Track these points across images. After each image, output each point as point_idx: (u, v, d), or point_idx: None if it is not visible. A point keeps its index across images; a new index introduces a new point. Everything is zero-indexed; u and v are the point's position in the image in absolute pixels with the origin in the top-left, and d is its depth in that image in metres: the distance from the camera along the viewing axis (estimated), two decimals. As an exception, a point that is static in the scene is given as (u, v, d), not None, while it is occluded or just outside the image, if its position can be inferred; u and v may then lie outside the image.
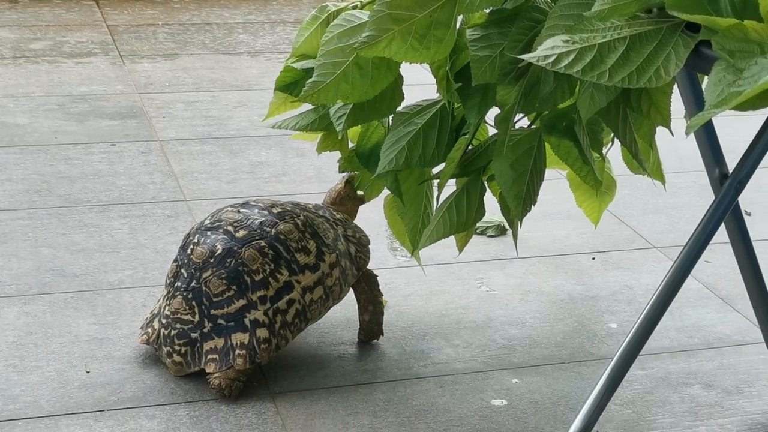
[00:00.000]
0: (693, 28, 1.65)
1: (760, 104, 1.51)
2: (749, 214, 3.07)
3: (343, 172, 2.37)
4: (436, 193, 2.24)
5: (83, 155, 3.27)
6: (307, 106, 2.30)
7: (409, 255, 2.70)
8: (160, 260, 2.65)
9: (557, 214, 2.99)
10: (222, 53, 4.40)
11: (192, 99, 3.83)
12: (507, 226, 2.89)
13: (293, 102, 2.30)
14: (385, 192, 2.40)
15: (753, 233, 2.17)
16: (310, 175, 3.23)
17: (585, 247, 2.84)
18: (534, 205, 2.13)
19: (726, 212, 1.93)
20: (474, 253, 2.74)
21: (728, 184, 1.91)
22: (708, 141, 1.97)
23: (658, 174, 2.43)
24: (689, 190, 3.22)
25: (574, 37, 1.67)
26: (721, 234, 2.94)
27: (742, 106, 1.50)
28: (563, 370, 2.28)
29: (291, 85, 2.29)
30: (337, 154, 3.35)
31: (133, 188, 3.06)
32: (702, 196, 3.19)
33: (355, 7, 2.14)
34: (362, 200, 2.44)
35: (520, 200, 2.11)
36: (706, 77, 1.57)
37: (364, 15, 2.05)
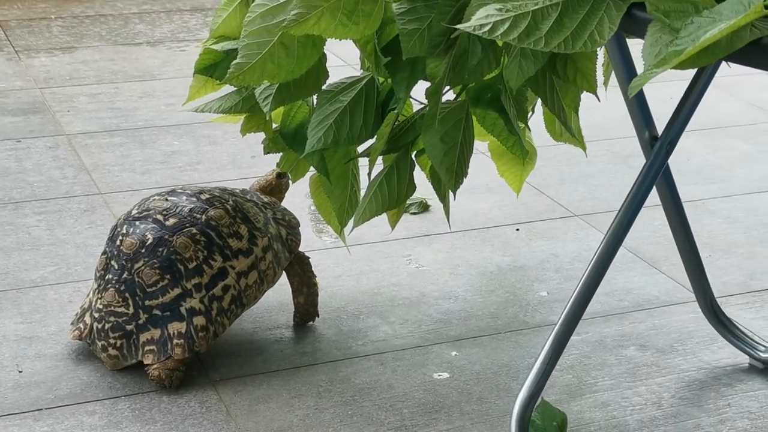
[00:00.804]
0: (624, -9, 1.66)
1: (699, 62, 1.52)
2: (663, 178, 3.13)
3: (268, 153, 2.34)
4: (366, 171, 2.23)
5: (-11, 153, 3.18)
6: (228, 89, 2.27)
7: (336, 236, 2.69)
8: (82, 255, 2.59)
9: (477, 187, 3.01)
10: (120, 44, 4.31)
11: (95, 91, 3.75)
12: (429, 203, 2.90)
13: (217, 84, 2.26)
14: (310, 173, 2.38)
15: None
16: (225, 162, 3.19)
17: (508, 218, 2.86)
18: (465, 177, 2.14)
19: (657, 174, 1.96)
20: (400, 231, 2.73)
21: (658, 146, 1.94)
22: (637, 104, 2.00)
23: (579, 141, 2.46)
24: (603, 158, 3.26)
25: (507, 5, 1.67)
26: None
27: (682, 65, 1.51)
28: (500, 340, 2.29)
29: (211, 68, 2.25)
30: (251, 140, 3.32)
31: (45, 184, 2.98)
32: (615, 164, 3.24)
33: (275, -14, 2.11)
34: (288, 187, 2.43)
35: (452, 173, 2.12)
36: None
37: (287, -7, 2.02)
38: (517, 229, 2.80)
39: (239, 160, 3.20)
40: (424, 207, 2.88)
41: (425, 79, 2.07)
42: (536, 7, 1.66)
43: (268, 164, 3.11)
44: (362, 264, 2.60)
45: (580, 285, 1.93)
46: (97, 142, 3.29)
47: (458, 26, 1.65)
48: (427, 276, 2.55)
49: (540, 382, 1.91)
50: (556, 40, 1.66)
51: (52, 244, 2.64)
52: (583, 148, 2.44)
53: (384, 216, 2.30)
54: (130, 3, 4.92)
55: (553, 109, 2.06)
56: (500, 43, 2.04)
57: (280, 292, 2.39)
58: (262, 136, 3.37)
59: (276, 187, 2.41)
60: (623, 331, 2.34)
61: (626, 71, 1.96)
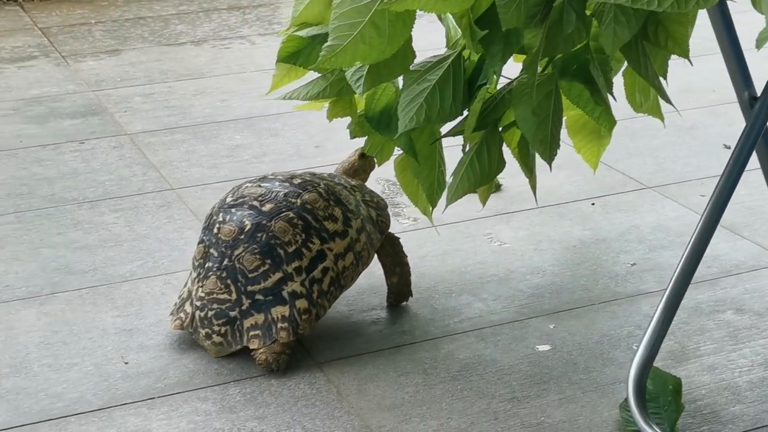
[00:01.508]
0: (730, -51, 1.67)
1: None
2: (729, 148, 3.13)
3: (354, 137, 2.34)
4: (450, 151, 2.24)
5: (55, 156, 3.19)
6: (311, 76, 2.27)
7: (413, 218, 2.70)
8: (166, 249, 2.60)
9: (544, 164, 3.00)
10: (164, 45, 4.32)
11: (148, 91, 3.76)
12: (500, 182, 2.90)
13: (301, 72, 2.27)
14: (395, 155, 2.39)
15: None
16: (291, 152, 3.20)
17: (581, 194, 2.87)
18: (558, 148, 2.15)
19: (759, 134, 1.96)
20: (476, 211, 2.73)
21: (758, 106, 1.94)
22: (737, 64, 1.99)
23: (656, 112, 2.46)
24: (666, 131, 3.25)
25: (617, -32, 1.68)
26: (710, 168, 3.00)
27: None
28: (596, 311, 2.30)
29: (294, 55, 2.25)
30: (312, 131, 3.34)
31: (116, 182, 2.99)
32: (679, 136, 3.24)
33: (361, -32, 2.11)
34: (373, 167, 2.43)
35: (546, 144, 2.12)
36: None
37: (376, -27, 2.02)
38: (593, 204, 2.81)
39: (303, 150, 3.21)
40: (496, 186, 2.89)
41: (519, 52, 2.08)
42: (647, -31, 1.67)
43: (332, 153, 3.13)
44: (444, 244, 2.60)
45: (686, 252, 1.93)
46: (160, 140, 3.31)
47: (574, -10, 1.66)
48: (512, 253, 2.56)
49: (653, 348, 1.91)
50: (668, 0, 1.66)
51: (134, 240, 2.65)
52: (661, 118, 2.44)
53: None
54: (167, 4, 4.93)
55: (646, 75, 2.07)
56: (589, 12, 2.05)
57: (370, 276, 2.40)
58: (320, 125, 3.38)
59: (359, 167, 2.41)
60: (717, 296, 2.34)
61: (727, 32, 1.96)
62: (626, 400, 1.89)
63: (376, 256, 2.34)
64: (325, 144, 3.23)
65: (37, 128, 3.41)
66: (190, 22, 4.66)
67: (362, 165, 2.42)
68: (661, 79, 2.13)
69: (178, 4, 4.93)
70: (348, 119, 2.35)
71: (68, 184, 2.99)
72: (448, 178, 2.27)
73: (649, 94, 2.44)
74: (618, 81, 2.27)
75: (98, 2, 4.99)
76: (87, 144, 3.28)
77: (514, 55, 2.13)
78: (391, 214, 2.73)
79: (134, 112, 3.56)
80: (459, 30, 2.19)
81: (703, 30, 2.13)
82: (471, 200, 2.69)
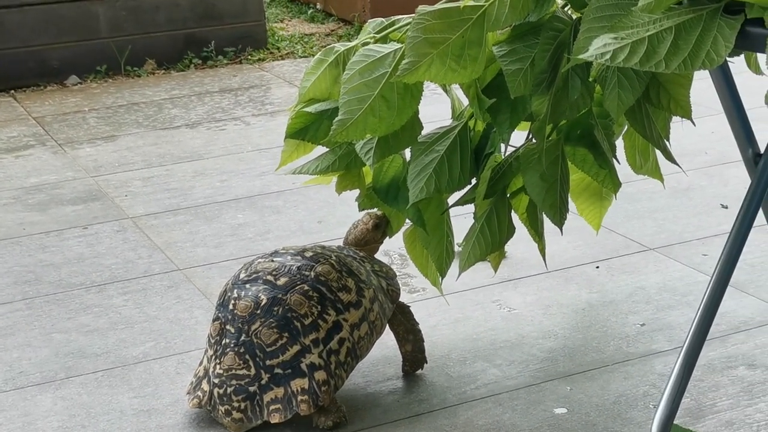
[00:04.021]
0: (730, 11, 1.72)
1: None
2: (726, 207, 3.18)
3: (363, 209, 2.37)
4: (456, 220, 2.27)
5: (59, 242, 3.21)
6: (319, 151, 2.31)
7: (422, 288, 2.72)
8: (177, 329, 2.61)
9: (546, 231, 3.04)
10: (160, 129, 4.37)
11: (147, 175, 3.79)
12: (504, 249, 2.93)
13: (310, 147, 2.30)
14: (404, 228, 2.42)
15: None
16: (294, 229, 3.22)
17: (585, 258, 2.90)
18: (567, 212, 2.18)
19: (765, 191, 1.99)
20: (483, 278, 2.77)
21: (763, 163, 1.98)
22: (740, 122, 2.04)
23: (656, 173, 2.50)
24: (662, 194, 3.30)
25: (620, 33, 1.73)
26: (710, 228, 3.04)
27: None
28: (610, 372, 2.31)
29: (303, 131, 2.29)
30: (314, 207, 3.37)
31: (123, 265, 3.01)
32: (676, 197, 3.28)
33: (366, 44, 2.17)
34: (384, 237, 2.45)
35: (556, 209, 2.16)
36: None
37: (383, 48, 2.07)
38: (597, 267, 2.84)
39: (306, 226, 3.24)
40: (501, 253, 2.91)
41: (525, 119, 2.12)
42: (651, 33, 1.72)
43: (334, 228, 3.16)
44: (454, 312, 2.62)
45: (700, 309, 1.96)
46: (163, 222, 3.33)
47: (581, 56, 1.70)
48: (521, 318, 2.58)
49: (673, 406, 1.93)
50: (675, 62, 1.71)
51: (145, 322, 2.66)
52: (661, 180, 2.49)
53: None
54: (158, 89, 4.99)
55: (651, 138, 2.11)
56: (591, 78, 2.10)
57: (383, 347, 2.41)
58: (321, 201, 3.42)
59: (371, 238, 2.39)
60: (728, 352, 2.36)
61: (729, 91, 2.01)
62: (649, 458, 1.91)
63: (388, 326, 2.36)
64: (327, 219, 3.26)
65: (39, 215, 3.43)
66: (184, 105, 4.71)
67: (374, 236, 2.42)
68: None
69: (170, 89, 4.98)
70: (356, 192, 2.39)
71: (74, 269, 3.00)
72: (457, 248, 2.30)
73: (649, 156, 2.49)
74: (617, 144, 2.31)
75: (90, 90, 5.04)
76: (90, 229, 3.30)
77: (518, 122, 2.17)
78: (400, 284, 2.76)
79: (135, 195, 3.59)
80: (464, 101, 2.24)
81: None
82: (477, 269, 2.72)
